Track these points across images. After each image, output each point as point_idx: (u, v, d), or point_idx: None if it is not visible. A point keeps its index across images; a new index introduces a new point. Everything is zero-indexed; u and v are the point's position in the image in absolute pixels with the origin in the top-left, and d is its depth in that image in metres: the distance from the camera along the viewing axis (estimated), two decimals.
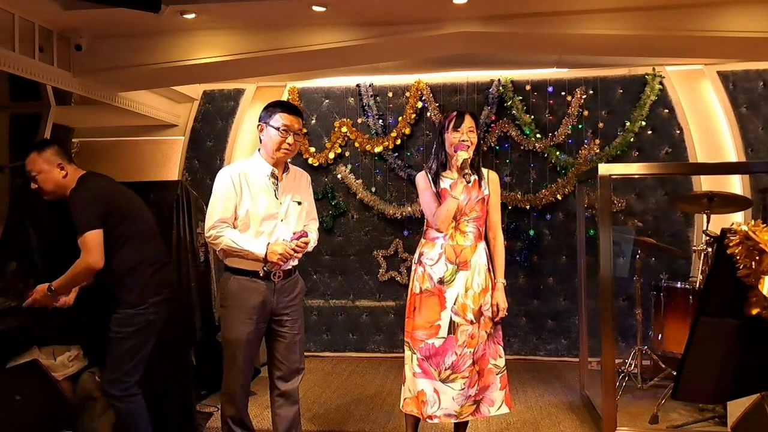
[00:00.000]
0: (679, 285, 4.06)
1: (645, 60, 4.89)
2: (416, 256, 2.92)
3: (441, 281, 2.79)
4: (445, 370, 2.74)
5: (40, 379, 2.95)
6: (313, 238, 2.80)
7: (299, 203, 2.76)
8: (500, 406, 2.84)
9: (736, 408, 2.84)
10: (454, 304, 2.77)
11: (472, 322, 2.77)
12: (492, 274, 2.89)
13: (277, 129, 2.62)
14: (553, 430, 3.55)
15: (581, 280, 4.22)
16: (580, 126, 5.11)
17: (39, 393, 2.94)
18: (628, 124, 5.04)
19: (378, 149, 5.28)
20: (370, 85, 5.34)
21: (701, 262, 3.88)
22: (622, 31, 3.68)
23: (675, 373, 2.70)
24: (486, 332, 2.82)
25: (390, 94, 5.35)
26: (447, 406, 2.74)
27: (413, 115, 5.27)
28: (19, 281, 3.16)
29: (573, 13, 3.64)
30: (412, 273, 2.91)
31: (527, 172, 5.20)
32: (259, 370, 3.96)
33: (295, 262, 2.72)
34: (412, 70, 5.18)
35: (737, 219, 4.26)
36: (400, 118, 5.30)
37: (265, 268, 2.59)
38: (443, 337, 2.75)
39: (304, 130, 5.20)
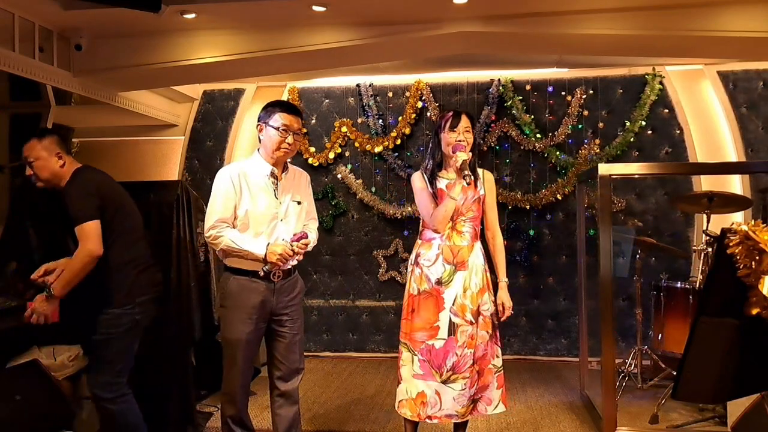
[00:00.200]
0: (679, 285, 4.05)
1: (645, 60, 4.89)
2: (413, 257, 2.91)
3: (439, 282, 2.79)
4: (447, 371, 2.73)
5: (40, 379, 2.95)
6: (312, 237, 2.80)
7: (299, 203, 2.76)
8: (497, 405, 2.84)
9: (736, 408, 2.84)
10: (453, 305, 2.76)
11: (471, 323, 2.77)
12: (489, 273, 2.89)
13: (277, 129, 2.62)
14: (553, 430, 3.55)
15: (581, 280, 4.23)
16: (580, 126, 5.11)
17: (39, 393, 2.93)
18: (628, 124, 5.04)
19: (378, 149, 5.28)
20: (370, 85, 5.34)
21: (701, 262, 3.88)
22: (622, 31, 3.68)
23: (675, 373, 2.70)
24: (487, 332, 2.82)
25: (390, 94, 5.35)
26: (448, 407, 2.74)
27: (413, 115, 5.27)
28: (19, 281, 3.15)
29: (573, 13, 3.64)
30: (409, 274, 2.90)
31: (527, 172, 5.20)
32: (259, 370, 3.96)
33: (295, 262, 2.72)
34: (412, 70, 5.18)
35: (737, 219, 4.26)
36: (400, 118, 5.30)
37: (264, 269, 2.59)
38: (443, 339, 2.75)
39: (304, 130, 5.20)
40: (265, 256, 2.55)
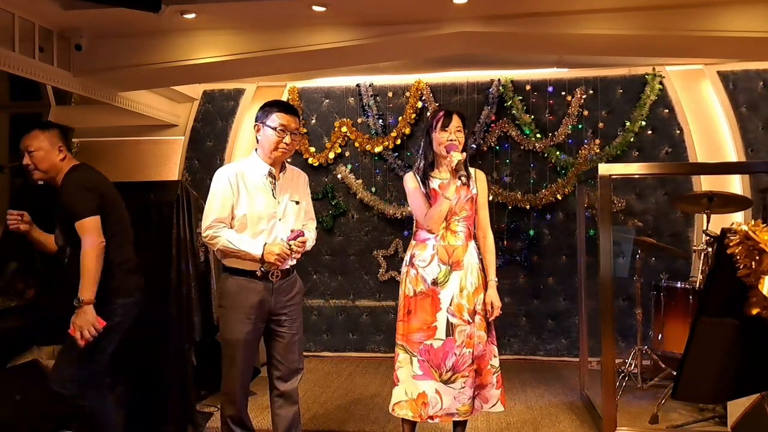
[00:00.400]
0: (679, 285, 4.05)
1: (645, 60, 4.89)
2: (407, 258, 2.90)
3: (435, 282, 2.78)
4: (447, 371, 2.74)
5: (40, 379, 2.95)
6: (311, 237, 2.79)
7: (297, 203, 2.76)
8: (495, 404, 2.84)
9: (736, 408, 2.85)
10: (450, 305, 2.76)
11: (468, 322, 2.77)
12: (484, 272, 2.89)
13: (274, 129, 2.62)
14: (553, 430, 3.55)
15: (581, 280, 4.22)
16: (580, 126, 5.11)
17: (39, 393, 2.94)
18: (628, 124, 5.04)
19: (378, 149, 5.28)
20: (370, 85, 5.34)
21: (701, 262, 3.87)
22: (622, 31, 3.68)
23: (675, 373, 2.70)
24: (484, 332, 2.81)
25: (390, 94, 5.34)
26: (448, 406, 2.74)
27: (413, 115, 5.26)
28: (19, 281, 3.15)
29: (573, 13, 3.64)
30: (404, 275, 2.89)
31: (527, 172, 5.20)
32: (259, 370, 3.96)
33: (293, 262, 2.72)
34: (412, 70, 5.18)
35: (737, 219, 4.26)
36: (400, 118, 5.30)
37: (262, 269, 2.59)
38: (442, 339, 2.74)
39: (303, 130, 5.20)
40: (262, 256, 2.54)
